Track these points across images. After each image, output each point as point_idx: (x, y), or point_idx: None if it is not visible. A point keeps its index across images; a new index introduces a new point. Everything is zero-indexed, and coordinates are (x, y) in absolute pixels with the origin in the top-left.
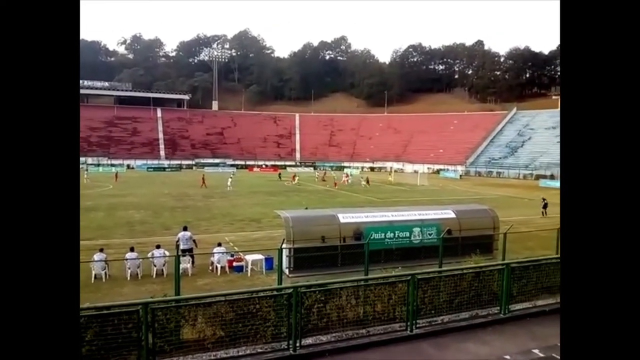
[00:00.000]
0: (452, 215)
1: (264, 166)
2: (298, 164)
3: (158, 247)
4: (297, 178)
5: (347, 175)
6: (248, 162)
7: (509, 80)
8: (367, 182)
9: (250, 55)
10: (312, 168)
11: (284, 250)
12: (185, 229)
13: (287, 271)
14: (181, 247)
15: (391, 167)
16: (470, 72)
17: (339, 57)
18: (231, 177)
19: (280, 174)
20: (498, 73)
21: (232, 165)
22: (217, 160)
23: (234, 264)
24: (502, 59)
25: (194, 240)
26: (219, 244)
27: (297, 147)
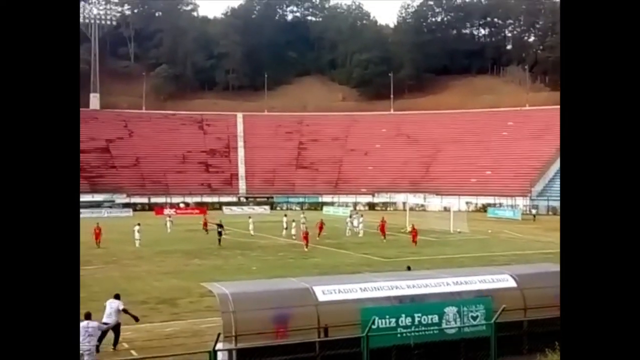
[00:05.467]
0: (511, 283)
1: (181, 205)
2: (243, 199)
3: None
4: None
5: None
6: (154, 200)
7: None
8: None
9: (157, 14)
10: (267, 207)
11: (219, 353)
12: (117, 297)
13: None
14: (104, 319)
15: (404, 203)
16: (532, 39)
17: (309, 17)
18: (139, 226)
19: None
20: None
21: (125, 206)
22: (98, 197)
23: None
24: None
25: (125, 311)
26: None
27: (241, 170)
